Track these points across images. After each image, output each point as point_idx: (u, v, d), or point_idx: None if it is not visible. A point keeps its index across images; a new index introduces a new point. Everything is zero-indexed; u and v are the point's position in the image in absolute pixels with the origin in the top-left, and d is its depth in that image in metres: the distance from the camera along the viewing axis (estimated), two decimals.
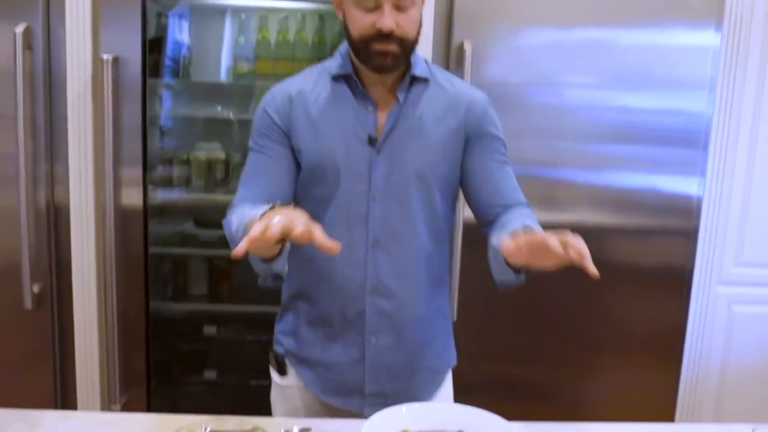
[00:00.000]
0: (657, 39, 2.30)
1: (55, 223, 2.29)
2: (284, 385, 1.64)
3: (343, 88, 1.50)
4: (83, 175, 2.24)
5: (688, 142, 2.34)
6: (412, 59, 1.50)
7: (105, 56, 2.18)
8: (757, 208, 2.50)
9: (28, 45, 2.18)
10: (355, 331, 1.54)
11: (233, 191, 1.56)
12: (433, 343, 1.62)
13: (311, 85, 1.52)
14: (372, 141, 1.48)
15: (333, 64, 1.54)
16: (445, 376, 1.68)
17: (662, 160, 2.36)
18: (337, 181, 1.48)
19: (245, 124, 2.75)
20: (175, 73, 2.86)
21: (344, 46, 1.53)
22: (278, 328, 1.66)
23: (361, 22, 1.42)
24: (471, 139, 1.53)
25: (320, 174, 1.49)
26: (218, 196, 2.74)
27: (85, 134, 2.23)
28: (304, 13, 2.80)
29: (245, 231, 1.31)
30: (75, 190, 2.25)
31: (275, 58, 2.78)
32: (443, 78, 1.57)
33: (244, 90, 2.92)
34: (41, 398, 2.33)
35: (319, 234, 1.17)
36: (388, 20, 1.39)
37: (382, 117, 1.49)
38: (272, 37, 2.82)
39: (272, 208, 1.26)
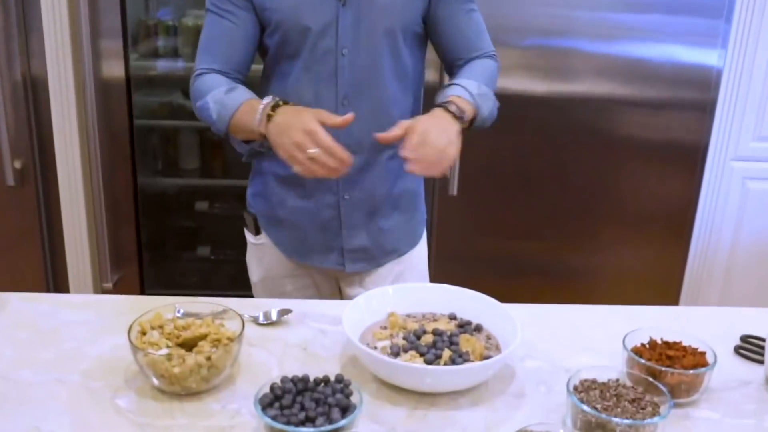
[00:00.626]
0: None
1: (33, 97, 2.21)
2: (259, 244, 1.65)
3: None
4: (59, 47, 2.13)
5: (710, 11, 2.26)
6: None
7: None
8: None
9: None
10: (329, 190, 1.54)
11: None
12: (408, 195, 1.63)
13: None
14: None
15: None
16: (422, 231, 1.70)
17: (681, 30, 2.27)
18: (303, 38, 1.43)
19: None
20: None
21: None
22: (249, 191, 1.66)
23: None
24: None
25: (286, 32, 1.44)
26: None
27: (59, 3, 2.09)
28: None
29: (231, 122, 1.40)
30: (52, 62, 2.15)
31: None
32: None
33: None
34: (32, 278, 2.32)
35: (334, 120, 1.30)
36: None
37: None
38: None
39: (276, 105, 1.33)
